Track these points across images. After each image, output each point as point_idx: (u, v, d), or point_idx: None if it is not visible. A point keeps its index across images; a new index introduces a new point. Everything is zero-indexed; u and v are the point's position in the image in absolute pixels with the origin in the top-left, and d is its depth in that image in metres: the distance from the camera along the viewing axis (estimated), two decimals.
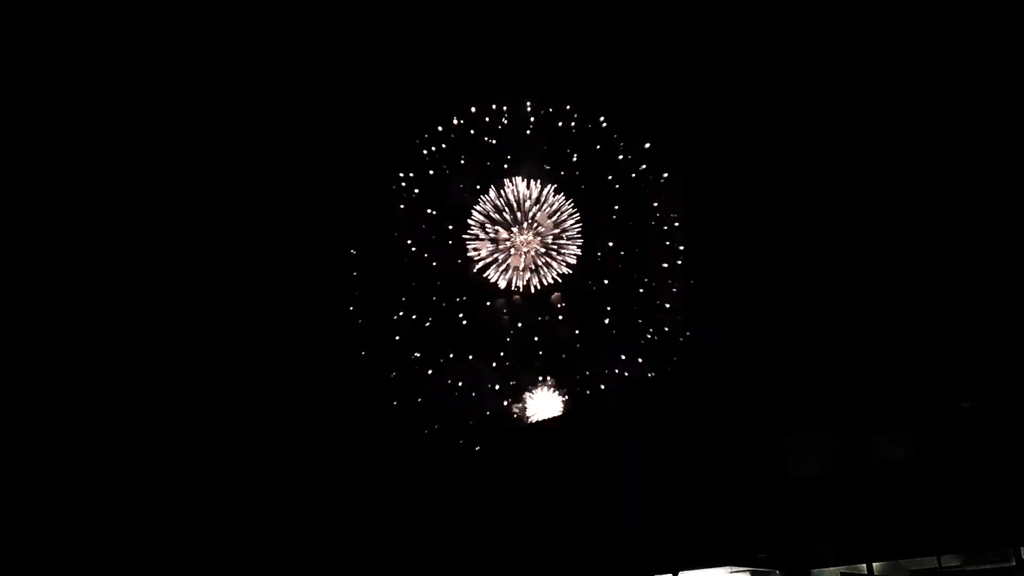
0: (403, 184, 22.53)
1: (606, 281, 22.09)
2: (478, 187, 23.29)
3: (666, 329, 20.41)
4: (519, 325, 23.13)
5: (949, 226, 16.12)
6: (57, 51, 20.39)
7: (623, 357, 20.77)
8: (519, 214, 23.49)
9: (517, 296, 23.66)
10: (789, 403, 17.36)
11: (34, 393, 20.78)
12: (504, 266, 23.93)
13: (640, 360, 20.75)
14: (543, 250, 23.43)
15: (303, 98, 21.15)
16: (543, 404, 23.13)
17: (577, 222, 23.05)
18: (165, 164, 22.08)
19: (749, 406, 17.85)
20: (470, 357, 23.28)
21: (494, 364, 23.03)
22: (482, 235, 23.55)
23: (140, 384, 21.57)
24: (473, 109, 21.92)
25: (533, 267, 23.66)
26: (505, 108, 21.74)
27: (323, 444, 21.95)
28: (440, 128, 21.99)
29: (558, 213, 23.31)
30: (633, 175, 20.65)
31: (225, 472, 21.05)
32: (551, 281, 23.49)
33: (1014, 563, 15.00)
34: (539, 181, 22.99)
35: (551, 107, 21.40)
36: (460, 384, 23.04)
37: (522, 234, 23.49)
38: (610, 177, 21.40)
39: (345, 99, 21.66)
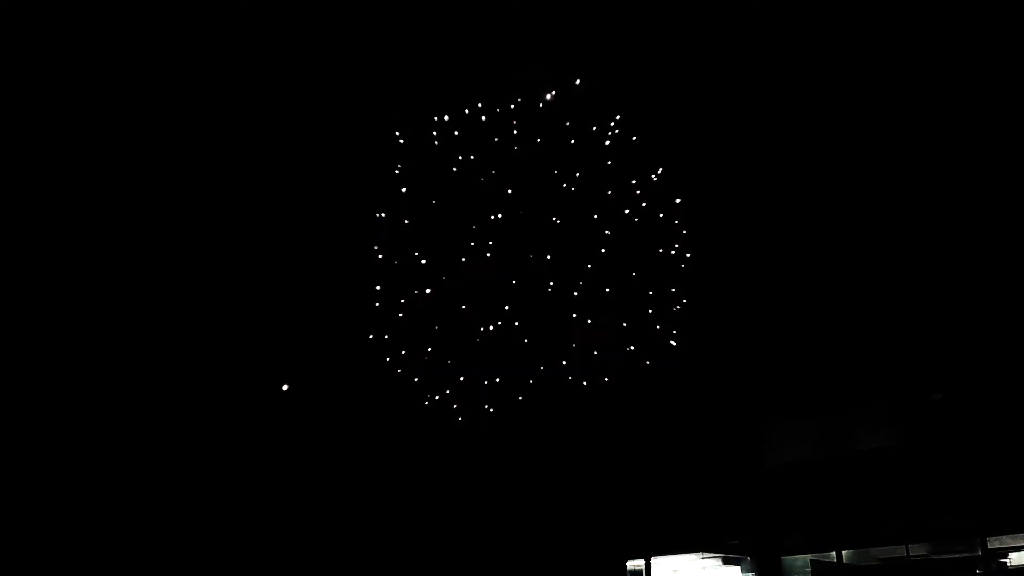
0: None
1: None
2: None
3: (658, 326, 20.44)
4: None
5: (923, 221, 16.34)
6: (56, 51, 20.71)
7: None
8: None
9: None
10: (763, 391, 17.58)
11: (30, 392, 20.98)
12: None
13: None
14: None
15: (295, 99, 21.48)
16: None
17: None
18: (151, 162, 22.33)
19: (723, 393, 18.08)
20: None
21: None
22: None
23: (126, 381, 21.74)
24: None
25: None
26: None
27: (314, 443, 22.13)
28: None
29: None
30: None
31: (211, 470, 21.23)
32: None
33: (980, 552, 15.19)
34: None
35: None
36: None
37: None
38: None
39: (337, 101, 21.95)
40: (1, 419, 20.53)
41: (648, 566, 17.62)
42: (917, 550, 15.80)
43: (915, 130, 16.57)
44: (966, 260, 15.76)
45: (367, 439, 21.95)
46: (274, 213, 23.70)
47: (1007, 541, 15.12)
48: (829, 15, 17.34)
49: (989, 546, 15.14)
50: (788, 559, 16.76)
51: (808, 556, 16.59)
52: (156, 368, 22.11)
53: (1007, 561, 15.15)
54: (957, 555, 15.54)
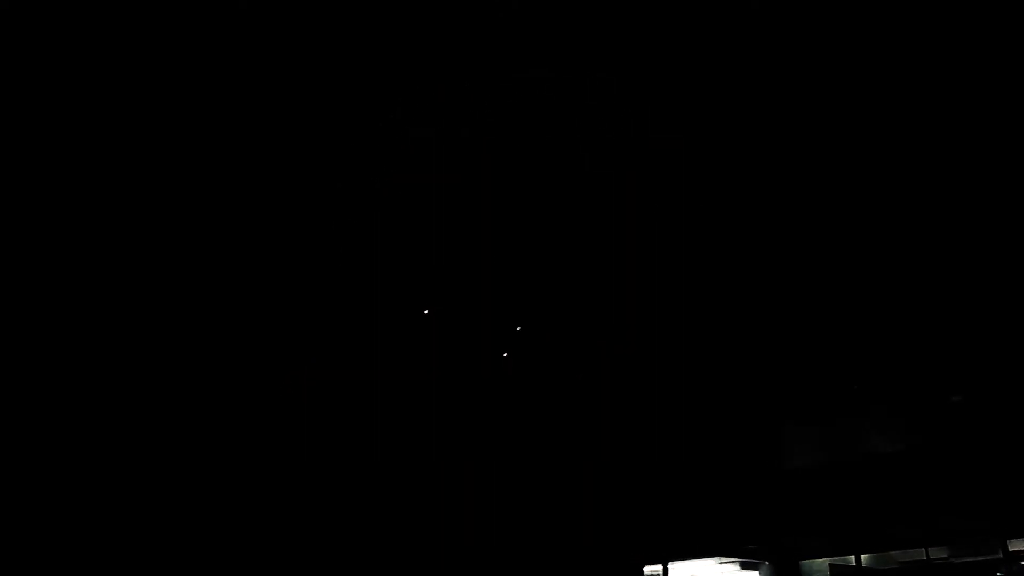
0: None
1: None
2: None
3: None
4: None
5: (938, 221, 16.01)
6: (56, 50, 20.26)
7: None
8: None
9: None
10: (780, 395, 17.39)
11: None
12: None
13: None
14: None
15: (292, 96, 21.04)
16: None
17: None
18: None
19: (740, 397, 17.91)
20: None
21: None
22: None
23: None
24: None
25: None
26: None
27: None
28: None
29: None
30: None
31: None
32: None
33: (1001, 555, 15.08)
34: None
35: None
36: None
37: None
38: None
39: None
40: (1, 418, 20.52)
41: (666, 571, 17.59)
42: (937, 553, 15.72)
43: (936, 132, 16.16)
44: (986, 260, 15.49)
45: (367, 439, 21.90)
46: (273, 213, 23.46)
47: None
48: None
49: (1011, 549, 15.05)
50: (806, 563, 16.72)
51: (827, 560, 16.51)
52: (155, 368, 22.03)
53: None
54: (978, 558, 15.44)
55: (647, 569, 17.82)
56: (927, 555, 15.72)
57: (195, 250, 23.13)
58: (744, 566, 17.31)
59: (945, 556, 15.71)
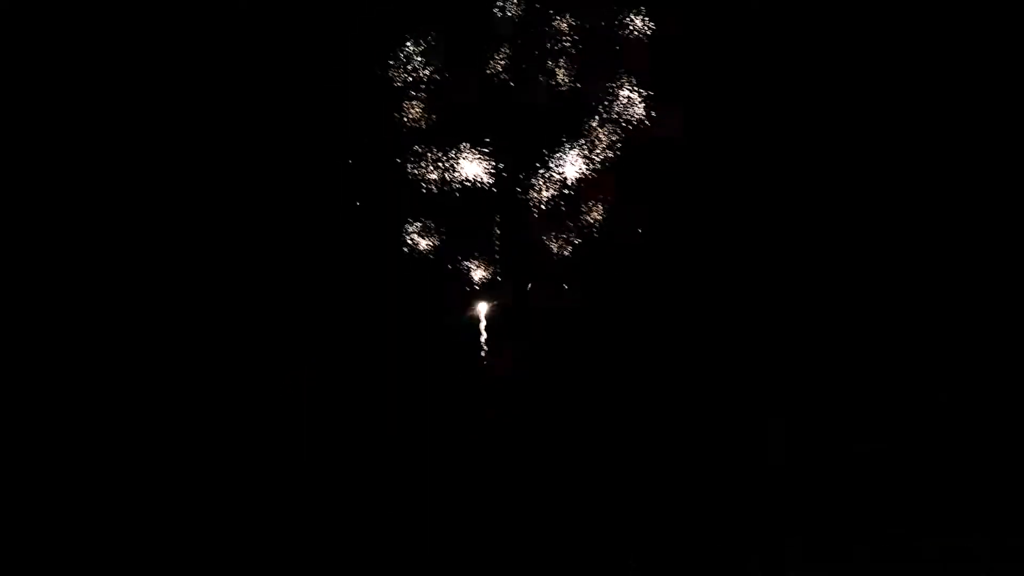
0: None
1: None
2: None
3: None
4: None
5: (927, 219, 16.26)
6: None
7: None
8: None
9: None
10: (764, 391, 17.48)
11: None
12: None
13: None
14: None
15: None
16: None
17: None
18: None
19: (725, 397, 18.00)
20: None
21: None
22: None
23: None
24: None
25: None
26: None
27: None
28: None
29: None
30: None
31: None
32: None
33: None
34: None
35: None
36: None
37: None
38: None
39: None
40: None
41: None
42: None
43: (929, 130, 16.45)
44: (970, 258, 15.72)
45: (366, 438, 21.93)
46: (273, 212, 23.76)
47: None
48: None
49: None
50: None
51: None
52: (155, 368, 22.16)
53: None
54: None
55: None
56: None
57: (195, 249, 23.42)
58: None
59: None
